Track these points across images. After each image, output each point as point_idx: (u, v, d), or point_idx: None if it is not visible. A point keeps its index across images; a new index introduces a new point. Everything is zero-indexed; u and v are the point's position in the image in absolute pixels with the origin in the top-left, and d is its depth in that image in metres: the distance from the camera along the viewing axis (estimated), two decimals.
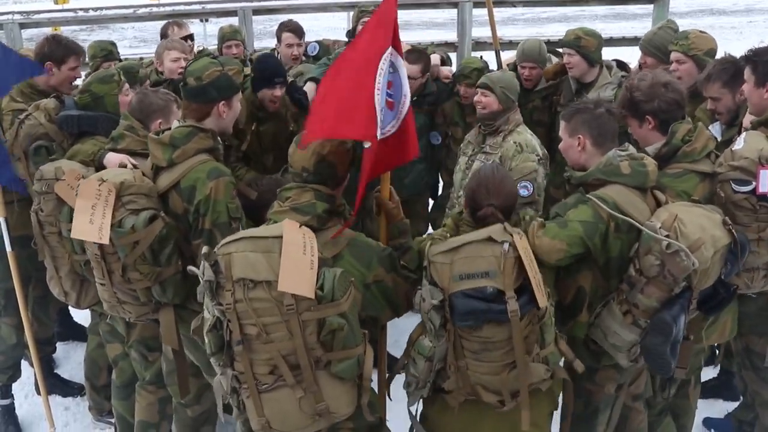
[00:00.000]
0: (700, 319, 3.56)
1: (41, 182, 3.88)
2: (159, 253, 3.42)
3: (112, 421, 4.73)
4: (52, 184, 3.80)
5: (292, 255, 2.76)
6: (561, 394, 3.50)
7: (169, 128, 3.55)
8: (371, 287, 3.11)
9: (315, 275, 2.77)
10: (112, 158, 3.80)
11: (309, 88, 5.10)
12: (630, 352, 3.30)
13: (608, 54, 5.78)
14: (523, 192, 4.26)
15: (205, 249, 2.88)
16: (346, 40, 6.20)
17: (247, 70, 4.95)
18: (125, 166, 3.65)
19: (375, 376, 3.46)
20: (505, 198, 3.19)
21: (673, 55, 4.77)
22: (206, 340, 2.92)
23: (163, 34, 6.17)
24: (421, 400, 3.34)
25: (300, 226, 2.89)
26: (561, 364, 3.27)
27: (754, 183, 3.46)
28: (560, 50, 5.37)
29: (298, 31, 5.97)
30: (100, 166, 3.85)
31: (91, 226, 3.31)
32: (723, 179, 3.53)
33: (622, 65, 5.50)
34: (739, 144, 3.57)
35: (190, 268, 2.99)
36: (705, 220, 3.15)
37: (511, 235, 2.95)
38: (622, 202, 3.20)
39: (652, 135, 3.61)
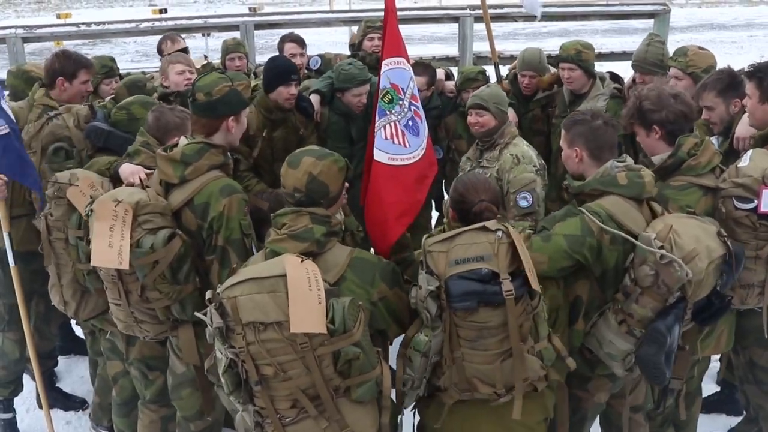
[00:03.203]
0: (695, 330, 3.57)
1: (54, 186, 3.89)
2: (178, 271, 3.40)
3: None
4: (65, 188, 3.80)
5: (298, 294, 2.73)
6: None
7: (176, 144, 3.55)
8: (378, 304, 3.10)
9: (324, 309, 2.75)
10: (127, 168, 3.82)
11: (314, 99, 5.14)
12: (625, 362, 3.31)
13: (609, 68, 5.82)
14: (522, 203, 4.26)
15: (208, 294, 2.86)
16: (349, 54, 6.23)
17: (253, 83, 4.97)
18: (141, 180, 3.65)
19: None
20: (493, 194, 3.23)
21: (672, 71, 4.79)
22: (223, 381, 2.91)
23: (159, 50, 6.22)
24: (416, 411, 3.36)
25: (302, 261, 2.85)
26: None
27: (756, 201, 3.47)
28: (561, 65, 5.39)
29: (299, 41, 6.01)
30: (115, 175, 3.87)
31: (111, 249, 3.26)
32: (725, 195, 3.54)
33: (615, 77, 5.54)
34: (744, 161, 3.57)
35: (197, 314, 2.95)
36: (700, 231, 3.16)
37: (505, 227, 2.99)
38: (617, 212, 3.22)
39: (658, 145, 3.63)
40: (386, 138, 3.36)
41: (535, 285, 2.93)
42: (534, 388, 3.15)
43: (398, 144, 3.36)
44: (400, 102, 3.40)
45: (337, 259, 3.06)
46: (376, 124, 3.38)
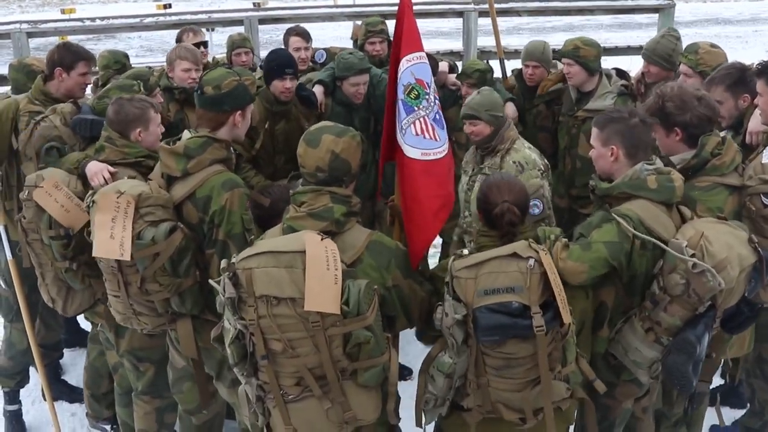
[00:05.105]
0: (721, 336, 3.49)
1: (24, 189, 3.88)
2: (178, 264, 3.39)
3: (107, 427, 4.81)
4: (32, 191, 3.79)
5: (316, 272, 2.72)
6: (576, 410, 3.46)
7: (179, 138, 3.54)
8: (391, 291, 3.06)
9: (339, 290, 2.74)
10: (93, 167, 3.79)
11: (317, 90, 5.14)
12: (651, 369, 3.27)
13: (613, 63, 5.80)
14: (534, 210, 4.13)
15: (223, 263, 2.86)
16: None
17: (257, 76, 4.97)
18: (105, 179, 3.66)
19: None
20: (517, 194, 3.10)
21: (682, 68, 4.75)
22: (229, 351, 2.90)
23: (178, 40, 6.18)
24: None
25: (322, 239, 2.83)
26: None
27: None
28: (562, 60, 5.39)
29: (305, 34, 6.00)
30: (82, 174, 3.85)
31: (112, 241, 3.27)
32: (753, 192, 3.49)
33: (621, 74, 5.51)
34: None
35: (211, 281, 2.96)
36: (731, 238, 3.09)
37: (537, 252, 2.91)
38: (647, 217, 3.16)
39: (677, 146, 3.57)
40: (417, 134, 3.32)
41: (567, 318, 2.87)
42: (559, 407, 3.11)
43: (429, 138, 3.33)
44: (427, 96, 3.38)
45: (355, 240, 3.02)
46: (405, 121, 3.34)
